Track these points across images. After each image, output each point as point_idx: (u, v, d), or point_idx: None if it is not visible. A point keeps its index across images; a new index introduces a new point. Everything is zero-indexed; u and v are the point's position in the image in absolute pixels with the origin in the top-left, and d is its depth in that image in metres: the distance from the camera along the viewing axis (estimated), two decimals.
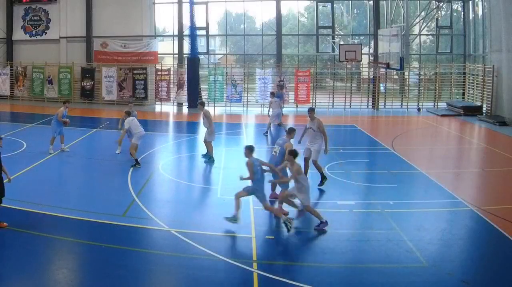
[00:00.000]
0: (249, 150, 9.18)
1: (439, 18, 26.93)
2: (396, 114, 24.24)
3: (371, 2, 26.67)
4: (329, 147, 11.88)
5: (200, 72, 25.82)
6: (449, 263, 7.52)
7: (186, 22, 26.09)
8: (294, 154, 9.01)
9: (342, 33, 28.12)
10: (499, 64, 21.69)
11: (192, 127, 18.58)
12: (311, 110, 11.68)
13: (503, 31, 20.95)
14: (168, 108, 25.75)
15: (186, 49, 26.50)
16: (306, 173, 10.82)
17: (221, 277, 7.09)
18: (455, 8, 27.58)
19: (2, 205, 8.58)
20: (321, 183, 11.24)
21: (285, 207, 9.42)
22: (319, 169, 11.34)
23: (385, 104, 25.83)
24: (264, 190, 9.13)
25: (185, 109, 25.45)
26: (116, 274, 7.11)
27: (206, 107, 14.34)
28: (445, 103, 25.14)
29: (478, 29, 25.54)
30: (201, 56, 26.05)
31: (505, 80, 21.14)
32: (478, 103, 23.75)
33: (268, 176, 9.55)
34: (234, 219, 8.84)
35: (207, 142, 13.77)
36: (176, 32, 26.95)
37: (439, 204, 10.28)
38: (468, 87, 25.44)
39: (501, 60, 21.48)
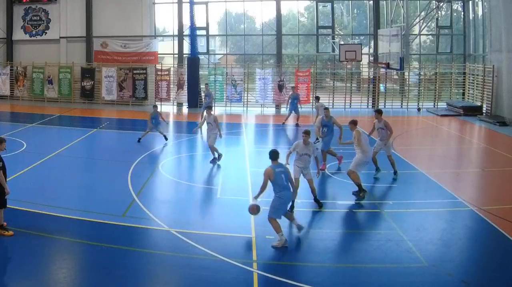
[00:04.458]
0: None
1: (439, 18, 26.91)
2: (396, 114, 24.19)
3: (371, 2, 26.66)
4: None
5: (200, 72, 25.82)
6: (449, 263, 7.51)
7: (186, 22, 26.10)
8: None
9: (342, 33, 28.09)
10: (499, 64, 21.68)
11: (192, 127, 18.50)
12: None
13: (503, 31, 20.95)
14: (168, 108, 25.73)
15: (186, 49, 26.50)
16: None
17: (221, 277, 7.08)
18: (455, 8, 27.56)
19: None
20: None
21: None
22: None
23: (385, 104, 25.81)
24: None
25: (185, 109, 25.46)
26: (116, 274, 7.11)
27: None
28: (445, 103, 25.14)
29: (478, 29, 25.53)
30: (201, 56, 26.05)
31: (505, 80, 21.13)
32: (478, 103, 23.74)
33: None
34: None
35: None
36: (176, 32, 26.94)
37: (439, 204, 10.26)
38: (468, 87, 25.43)
39: (501, 60, 21.47)
